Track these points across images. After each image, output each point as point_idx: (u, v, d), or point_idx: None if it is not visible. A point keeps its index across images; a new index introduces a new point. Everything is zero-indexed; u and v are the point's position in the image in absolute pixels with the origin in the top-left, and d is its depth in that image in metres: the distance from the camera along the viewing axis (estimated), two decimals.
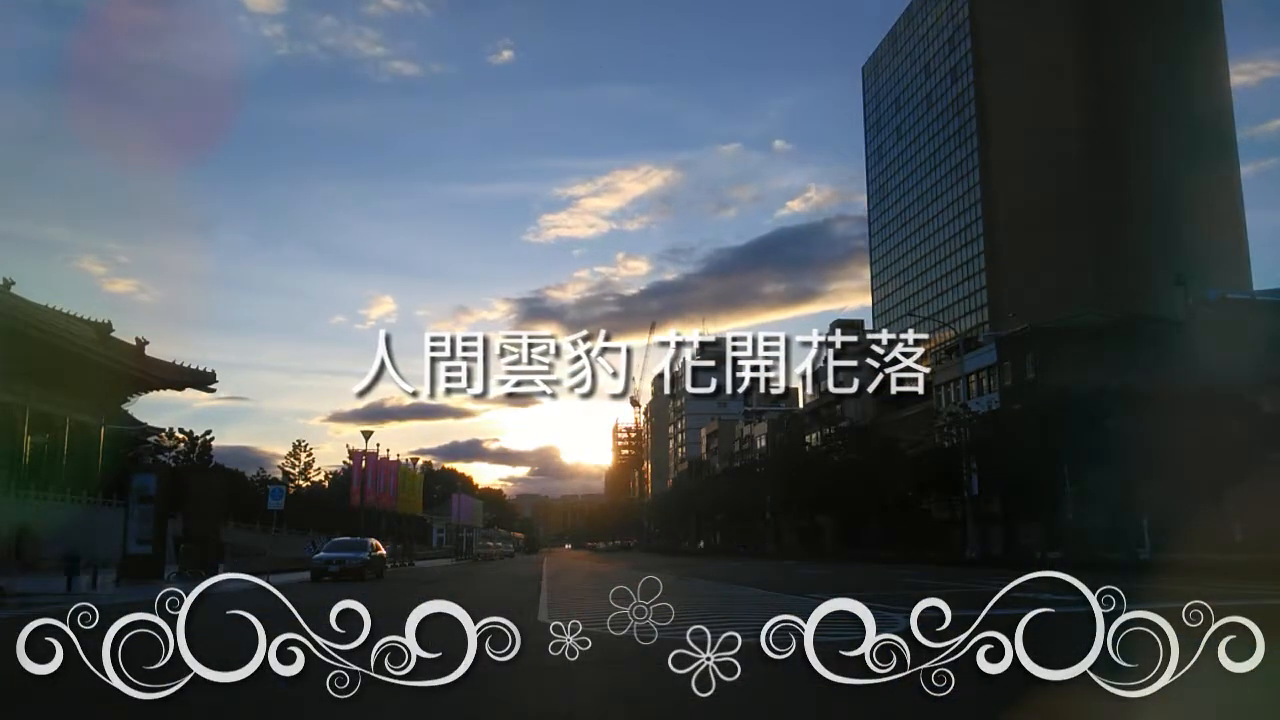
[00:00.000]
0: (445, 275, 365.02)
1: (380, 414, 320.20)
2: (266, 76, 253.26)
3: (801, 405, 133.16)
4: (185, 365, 50.54)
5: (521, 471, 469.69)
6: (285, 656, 8.46)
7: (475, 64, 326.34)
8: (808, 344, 9.45)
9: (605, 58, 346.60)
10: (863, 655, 10.17)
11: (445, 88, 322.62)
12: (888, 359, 9.02)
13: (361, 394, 8.52)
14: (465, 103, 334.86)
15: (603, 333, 8.88)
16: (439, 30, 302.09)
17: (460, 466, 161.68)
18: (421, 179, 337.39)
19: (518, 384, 8.51)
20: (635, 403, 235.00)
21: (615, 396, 8.97)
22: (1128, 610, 13.15)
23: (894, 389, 9.02)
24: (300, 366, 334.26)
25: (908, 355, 8.97)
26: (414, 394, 8.46)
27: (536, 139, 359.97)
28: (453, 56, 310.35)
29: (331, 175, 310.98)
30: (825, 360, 9.25)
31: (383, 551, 36.80)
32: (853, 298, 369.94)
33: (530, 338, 8.64)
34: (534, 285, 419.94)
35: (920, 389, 9.04)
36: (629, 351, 9.02)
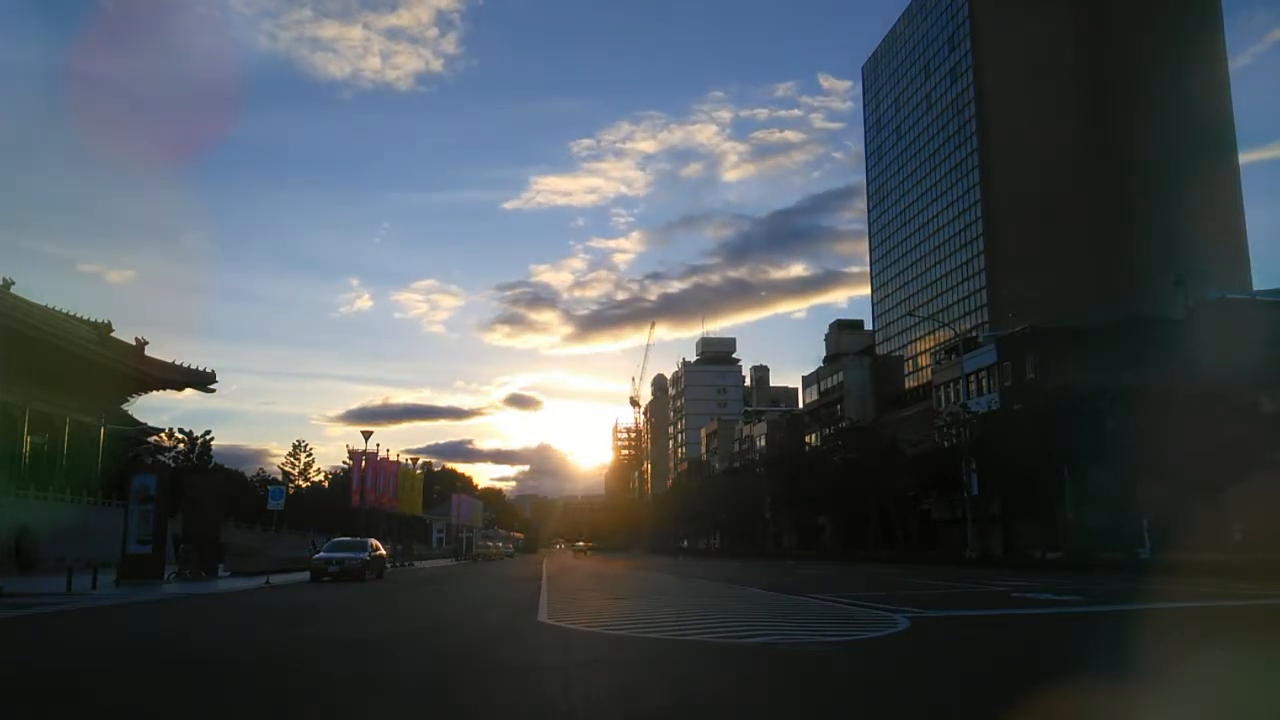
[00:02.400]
0: (429, 262, 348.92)
1: (377, 414, 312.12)
2: (237, 92, 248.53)
3: (801, 405, 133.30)
4: (184, 365, 50.53)
5: (521, 472, 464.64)
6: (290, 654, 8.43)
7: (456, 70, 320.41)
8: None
9: (603, 52, 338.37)
10: (863, 654, 10.18)
11: (427, 96, 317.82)
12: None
13: None
14: (453, 106, 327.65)
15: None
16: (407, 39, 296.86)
17: (460, 467, 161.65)
18: (403, 182, 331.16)
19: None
20: (635, 403, 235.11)
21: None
22: (1127, 610, 13.12)
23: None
24: (284, 370, 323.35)
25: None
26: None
27: (520, 145, 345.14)
28: (430, 65, 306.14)
29: (294, 186, 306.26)
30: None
31: (383, 552, 36.74)
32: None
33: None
34: (525, 263, 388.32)
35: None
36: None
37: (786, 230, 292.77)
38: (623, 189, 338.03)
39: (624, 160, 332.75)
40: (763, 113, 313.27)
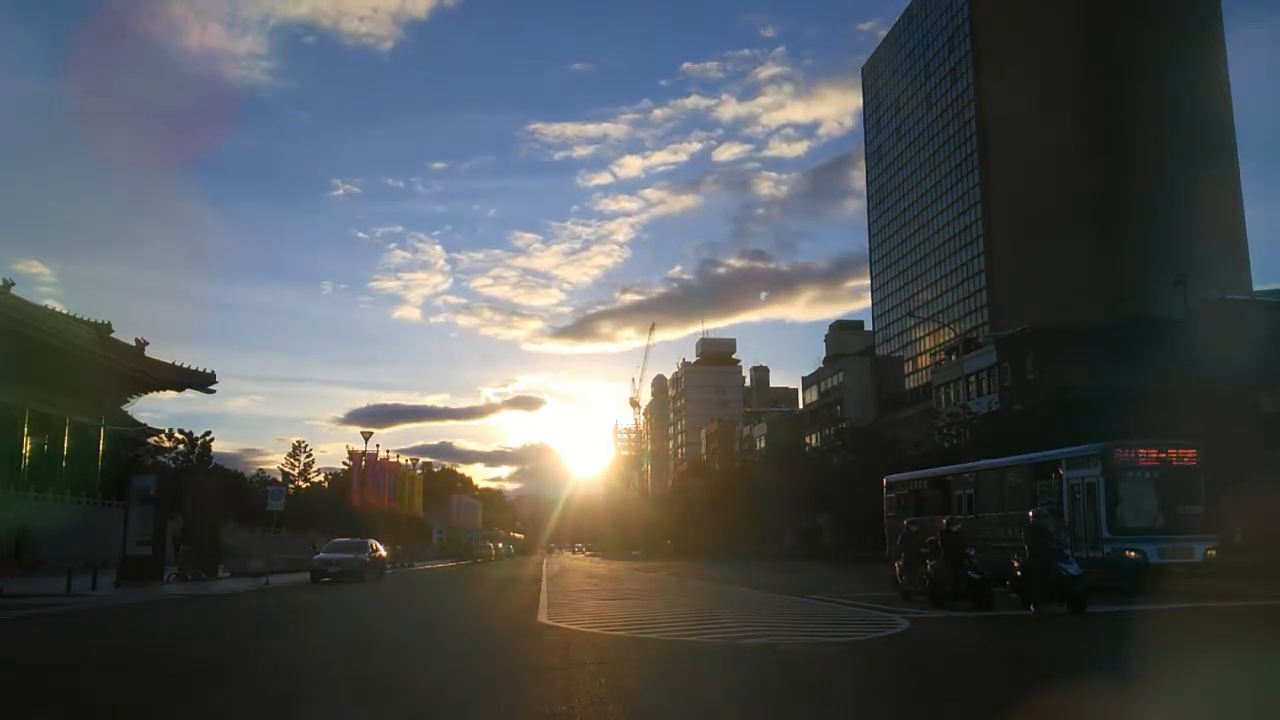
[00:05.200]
0: (414, 248, 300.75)
1: (373, 416, 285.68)
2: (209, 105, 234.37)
3: (801, 406, 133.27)
4: (184, 366, 50.49)
5: (521, 472, 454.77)
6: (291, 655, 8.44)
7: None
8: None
9: (604, 48, 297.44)
10: (863, 655, 10.18)
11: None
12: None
13: None
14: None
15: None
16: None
17: (460, 467, 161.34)
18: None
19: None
20: (635, 404, 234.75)
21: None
22: (1127, 610, 13.15)
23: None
24: (274, 375, 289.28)
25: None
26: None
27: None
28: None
29: (251, 196, 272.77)
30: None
31: (383, 553, 36.71)
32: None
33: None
34: (515, 235, 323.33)
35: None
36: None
37: (817, 188, 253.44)
38: (635, 133, 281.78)
39: (638, 104, 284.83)
40: (812, 31, 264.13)
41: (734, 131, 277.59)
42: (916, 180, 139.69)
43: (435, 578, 38.06)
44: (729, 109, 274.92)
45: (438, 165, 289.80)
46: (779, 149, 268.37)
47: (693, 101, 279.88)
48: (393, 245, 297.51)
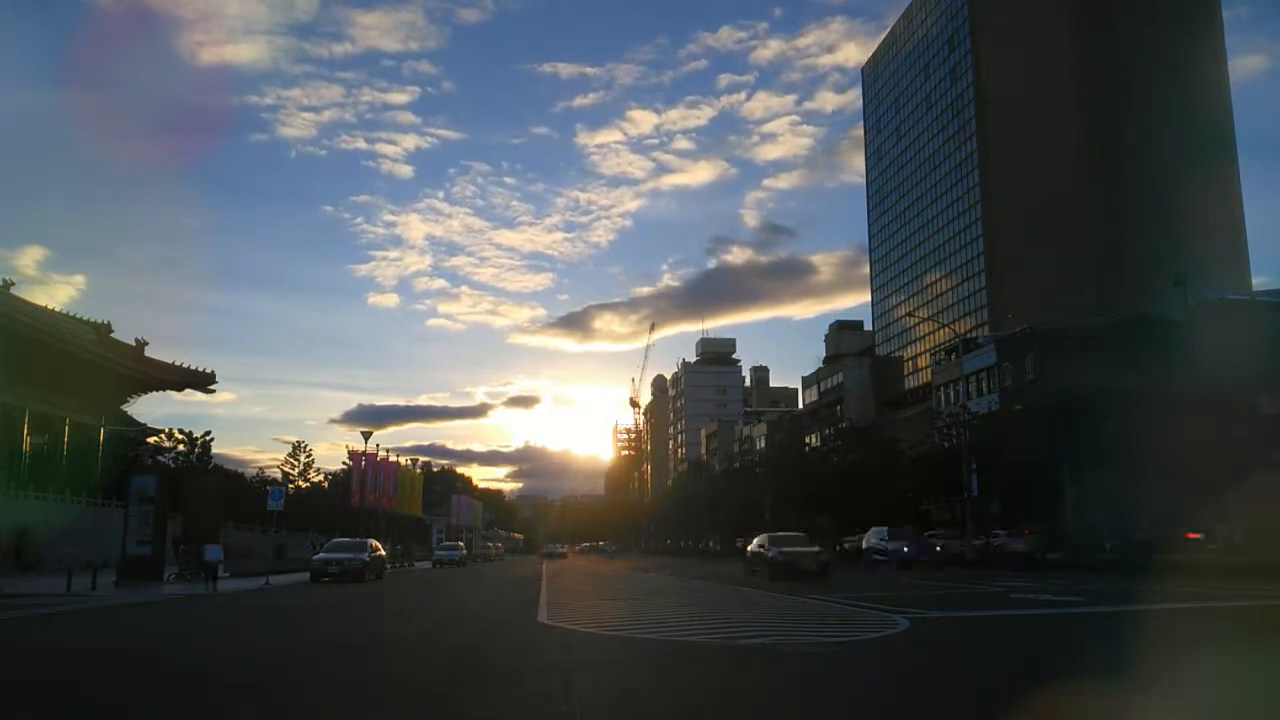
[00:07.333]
0: (406, 236, 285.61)
1: (374, 416, 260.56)
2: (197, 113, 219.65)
3: (801, 406, 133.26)
4: (183, 366, 50.51)
5: (519, 472, 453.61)
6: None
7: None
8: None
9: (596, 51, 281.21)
10: (863, 655, 10.17)
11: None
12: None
13: None
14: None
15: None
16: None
17: (459, 467, 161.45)
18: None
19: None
20: (635, 404, 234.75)
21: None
22: (1126, 611, 13.19)
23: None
24: (263, 376, 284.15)
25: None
26: None
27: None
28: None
29: (235, 202, 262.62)
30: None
31: (382, 552, 36.74)
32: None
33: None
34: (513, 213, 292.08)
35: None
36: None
37: (848, 148, 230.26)
38: (650, 78, 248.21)
39: (653, 40, 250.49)
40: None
41: (770, 78, 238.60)
42: (917, 180, 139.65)
43: (435, 578, 38.04)
44: (767, 50, 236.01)
45: (405, 118, 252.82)
46: (824, 99, 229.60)
47: (724, 36, 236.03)
48: (360, 219, 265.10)
